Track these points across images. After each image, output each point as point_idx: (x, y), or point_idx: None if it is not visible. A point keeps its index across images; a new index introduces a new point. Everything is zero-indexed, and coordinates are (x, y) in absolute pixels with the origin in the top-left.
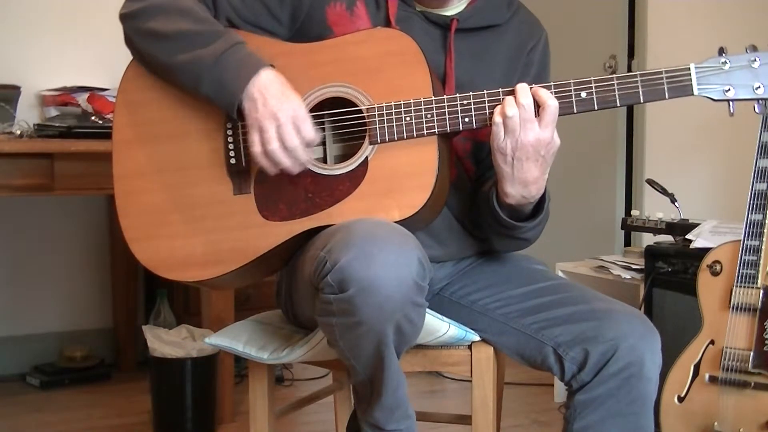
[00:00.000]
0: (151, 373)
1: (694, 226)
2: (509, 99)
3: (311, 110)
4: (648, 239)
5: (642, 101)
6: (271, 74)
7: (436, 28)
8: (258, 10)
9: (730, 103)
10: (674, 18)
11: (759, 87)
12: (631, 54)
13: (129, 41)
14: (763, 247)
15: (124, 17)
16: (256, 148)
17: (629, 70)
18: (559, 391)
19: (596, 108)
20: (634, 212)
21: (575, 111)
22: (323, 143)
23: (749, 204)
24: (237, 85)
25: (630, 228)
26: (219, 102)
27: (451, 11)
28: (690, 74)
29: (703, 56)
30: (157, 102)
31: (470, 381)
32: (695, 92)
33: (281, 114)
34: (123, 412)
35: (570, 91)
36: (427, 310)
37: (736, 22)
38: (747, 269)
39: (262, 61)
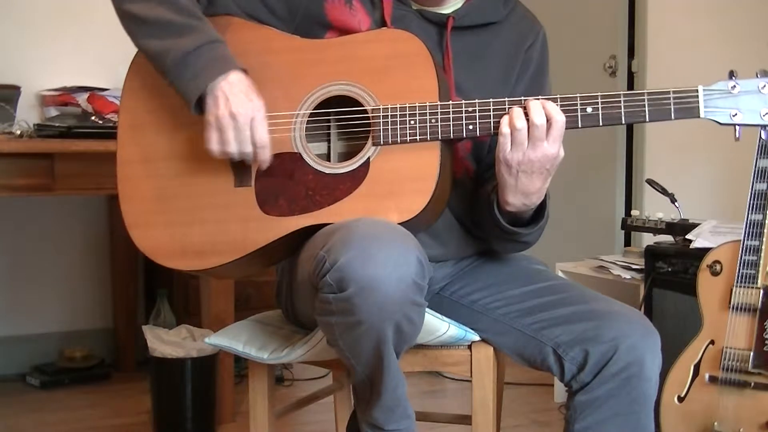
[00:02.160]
0: (151, 373)
1: (694, 226)
2: (518, 110)
3: (317, 107)
4: (648, 239)
5: (647, 120)
6: (239, 76)
7: (433, 26)
8: (254, 4)
9: (737, 127)
10: (674, 18)
11: (767, 114)
12: (631, 54)
13: (119, 19)
14: (763, 247)
15: None
16: (213, 146)
17: (629, 70)
18: (559, 391)
19: (601, 124)
20: (634, 212)
21: (580, 126)
22: (327, 140)
23: (749, 204)
24: (203, 80)
25: (630, 228)
26: (182, 92)
27: (447, 9)
28: (698, 96)
29: (702, 56)
30: (164, 89)
31: (470, 381)
32: (702, 115)
33: (240, 115)
34: (123, 412)
35: (576, 105)
36: (427, 309)
37: (736, 22)
38: (747, 269)
39: (234, 64)
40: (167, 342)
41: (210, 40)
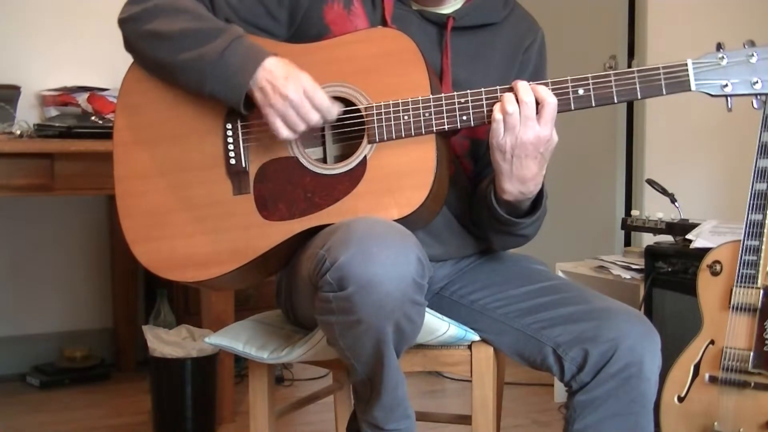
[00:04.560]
0: (151, 373)
1: (694, 226)
2: (509, 96)
3: None
4: (648, 239)
5: (639, 97)
6: (274, 61)
7: (433, 26)
8: (257, 11)
9: (728, 98)
10: (674, 18)
11: (757, 82)
12: (631, 54)
13: (129, 45)
14: (763, 247)
15: (124, 21)
16: (284, 133)
17: None
18: (559, 391)
19: (594, 105)
20: (634, 212)
21: (572, 108)
22: (323, 143)
23: (749, 204)
24: (243, 78)
25: (630, 228)
26: (225, 97)
27: (447, 9)
28: (687, 70)
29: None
30: (157, 104)
31: (470, 381)
32: (693, 88)
33: (292, 94)
34: (123, 412)
35: (567, 88)
36: (427, 309)
37: (736, 22)
38: (747, 269)
39: (264, 51)
40: (167, 342)
41: (236, 36)
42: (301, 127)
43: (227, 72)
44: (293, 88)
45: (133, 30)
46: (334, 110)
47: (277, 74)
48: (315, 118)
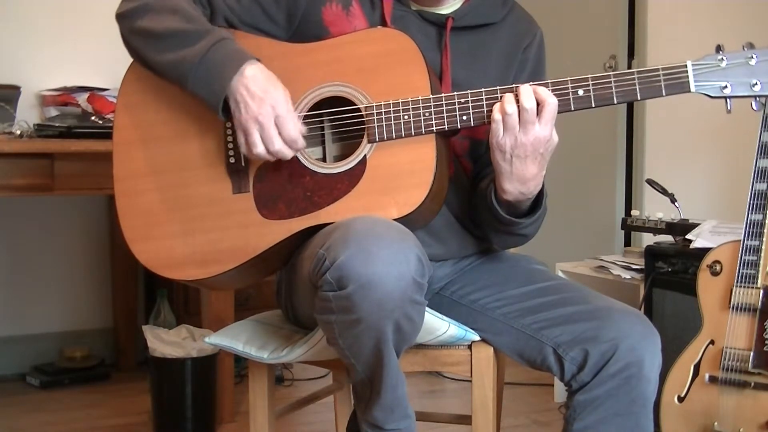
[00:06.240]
0: (151, 373)
1: (694, 226)
2: (509, 96)
3: (310, 110)
4: (648, 239)
5: (639, 98)
6: (254, 70)
7: (432, 26)
8: (254, 12)
9: (728, 100)
10: (674, 18)
11: (756, 84)
12: (631, 54)
13: (124, 40)
14: (763, 247)
15: (119, 17)
16: (242, 149)
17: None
18: (559, 391)
19: (593, 105)
20: (634, 212)
21: (572, 108)
22: (322, 143)
23: (749, 204)
24: (220, 84)
25: (630, 228)
26: (205, 100)
27: (446, 10)
28: (687, 71)
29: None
30: (157, 103)
31: (470, 381)
32: (692, 89)
33: (262, 117)
34: (123, 412)
35: (567, 88)
36: (427, 309)
37: (736, 22)
38: (747, 269)
39: (246, 56)
40: (167, 342)
41: (218, 39)
42: (260, 148)
43: (206, 75)
44: (266, 111)
45: (127, 26)
46: (301, 142)
47: (254, 89)
48: (278, 145)
